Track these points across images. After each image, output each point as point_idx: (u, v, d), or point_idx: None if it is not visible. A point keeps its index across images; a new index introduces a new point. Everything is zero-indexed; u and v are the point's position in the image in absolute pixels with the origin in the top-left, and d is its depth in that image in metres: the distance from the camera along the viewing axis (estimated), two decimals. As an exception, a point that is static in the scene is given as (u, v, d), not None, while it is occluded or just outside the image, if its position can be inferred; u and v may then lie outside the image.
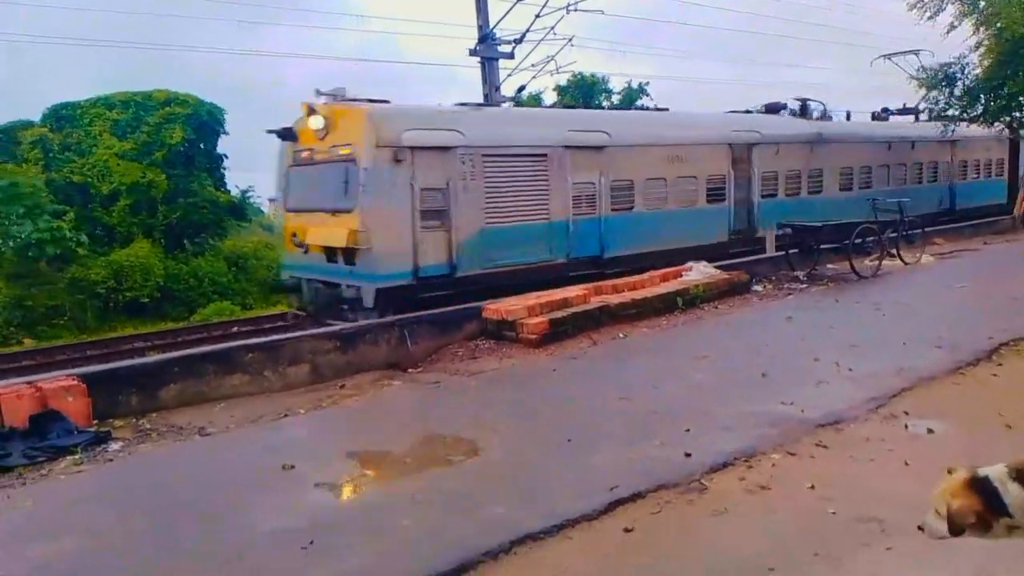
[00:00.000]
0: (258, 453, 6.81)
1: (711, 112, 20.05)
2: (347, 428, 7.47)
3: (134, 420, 7.88)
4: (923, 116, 25.43)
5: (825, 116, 21.76)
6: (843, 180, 20.97)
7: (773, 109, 21.07)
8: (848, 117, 23.39)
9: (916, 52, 23.80)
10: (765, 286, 14.31)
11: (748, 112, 21.06)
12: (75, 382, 7.76)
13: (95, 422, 7.63)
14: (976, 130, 24.56)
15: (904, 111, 25.96)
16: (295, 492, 5.81)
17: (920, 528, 2.91)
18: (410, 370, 10.13)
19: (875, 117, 25.25)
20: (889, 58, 24.67)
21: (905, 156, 23.00)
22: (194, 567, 4.73)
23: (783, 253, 15.78)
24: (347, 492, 5.83)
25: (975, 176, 26.25)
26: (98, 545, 5.07)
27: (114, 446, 7.11)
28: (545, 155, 14.41)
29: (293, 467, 6.24)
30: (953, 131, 23.58)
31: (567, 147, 14.71)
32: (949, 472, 2.89)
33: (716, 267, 14.10)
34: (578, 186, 14.90)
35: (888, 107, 25.98)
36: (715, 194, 17.56)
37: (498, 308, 11.14)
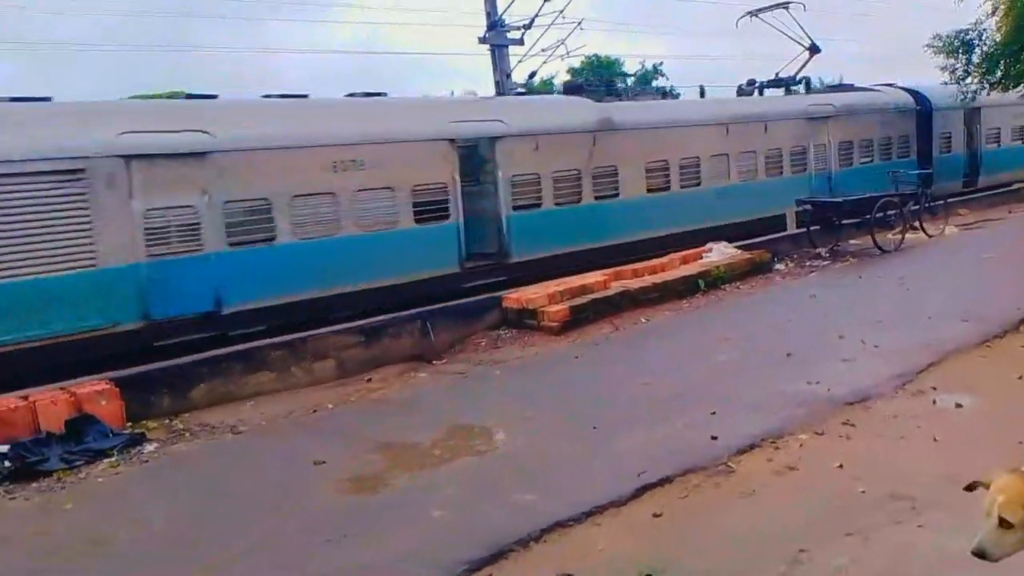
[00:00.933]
0: (289, 449, 6.92)
1: (430, 97, 15.66)
2: (375, 421, 7.55)
3: (167, 421, 8.01)
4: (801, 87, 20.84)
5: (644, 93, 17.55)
6: (654, 179, 15.80)
7: (574, 88, 16.97)
8: (702, 94, 20.32)
9: (786, 5, 19.82)
10: (787, 264, 14.21)
11: (522, 94, 18.47)
12: (108, 385, 7.90)
13: (129, 424, 7.77)
14: (857, 99, 20.48)
15: (776, 82, 20.50)
16: (327, 485, 5.91)
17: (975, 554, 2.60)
18: (434, 361, 10.19)
19: (740, 92, 20.52)
20: (756, 15, 20.45)
21: (755, 141, 17.56)
22: (233, 561, 4.83)
23: (804, 230, 15.65)
24: (377, 484, 5.91)
25: (866, 160, 20.24)
26: (139, 545, 5.20)
27: (149, 447, 7.25)
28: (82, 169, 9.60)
29: (324, 462, 6.34)
30: (971, 97, 20.97)
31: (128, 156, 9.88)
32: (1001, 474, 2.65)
33: (737, 247, 14.01)
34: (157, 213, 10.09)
35: (755, 79, 20.63)
36: (432, 210, 12.56)
37: (519, 297, 11.18)
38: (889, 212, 15.80)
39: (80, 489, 6.35)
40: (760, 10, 20.35)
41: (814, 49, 20.32)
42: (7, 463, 6.80)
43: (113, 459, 6.93)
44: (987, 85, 20.82)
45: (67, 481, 6.53)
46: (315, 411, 8.10)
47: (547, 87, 30.72)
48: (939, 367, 7.54)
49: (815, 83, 23.79)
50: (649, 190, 15.62)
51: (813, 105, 19.20)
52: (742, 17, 20.75)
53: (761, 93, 20.58)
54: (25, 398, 7.63)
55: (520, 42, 19.72)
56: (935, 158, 21.40)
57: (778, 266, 14.00)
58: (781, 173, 18.20)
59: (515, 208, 13.57)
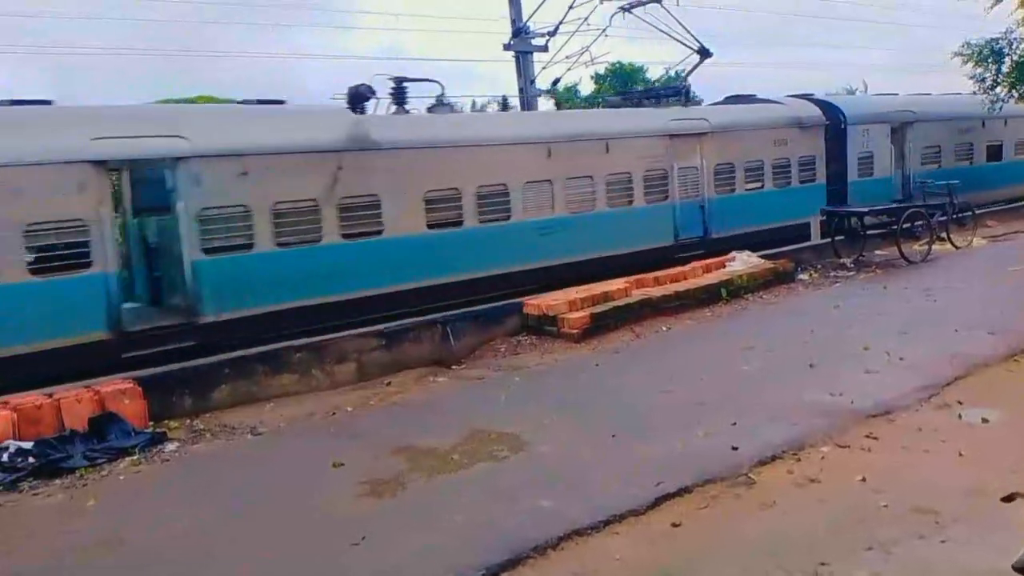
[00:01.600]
0: (308, 451, 6.95)
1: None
2: (394, 425, 7.56)
3: (188, 421, 8.09)
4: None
5: (442, 106, 14.06)
6: (437, 211, 12.42)
7: (359, 97, 12.97)
8: (525, 105, 17.63)
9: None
10: (811, 274, 14.08)
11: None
12: (131, 385, 7.99)
13: (151, 423, 7.85)
14: (741, 115, 17.13)
15: (647, 93, 18.08)
16: (346, 488, 5.92)
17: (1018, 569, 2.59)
18: (454, 366, 10.20)
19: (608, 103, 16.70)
20: (628, 11, 18.36)
21: (591, 165, 14.13)
22: (251, 563, 4.86)
23: (828, 240, 15.50)
24: (396, 488, 5.91)
25: (754, 186, 16.70)
26: (159, 544, 5.24)
27: (170, 446, 7.32)
28: None
29: (343, 464, 6.37)
30: (1000, 108, 20.07)
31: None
32: None
33: (761, 256, 13.91)
34: None
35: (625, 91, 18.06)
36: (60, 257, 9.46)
37: (539, 303, 11.17)
38: (916, 223, 15.61)
39: (102, 487, 6.43)
40: (632, 5, 18.29)
41: (704, 52, 17.60)
42: (32, 459, 6.90)
43: (135, 457, 7.01)
44: (1016, 95, 20.49)
45: (90, 478, 6.62)
46: (334, 413, 8.14)
47: (571, 94, 30.71)
48: (965, 380, 7.43)
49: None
50: (431, 225, 12.34)
51: (678, 120, 15.54)
52: (615, 14, 18.10)
53: (639, 104, 17.38)
54: (50, 396, 7.74)
55: (544, 49, 19.73)
56: (851, 183, 18.34)
57: (802, 276, 13.88)
58: (631, 202, 14.59)
59: (207, 251, 10.34)
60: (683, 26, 17.63)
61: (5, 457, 6.95)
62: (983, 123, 20.98)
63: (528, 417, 7.29)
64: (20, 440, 7.22)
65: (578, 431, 6.88)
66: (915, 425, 6.36)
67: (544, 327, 10.92)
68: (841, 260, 15.00)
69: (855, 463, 5.67)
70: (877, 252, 15.62)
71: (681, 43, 17.77)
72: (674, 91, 17.43)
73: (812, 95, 19.20)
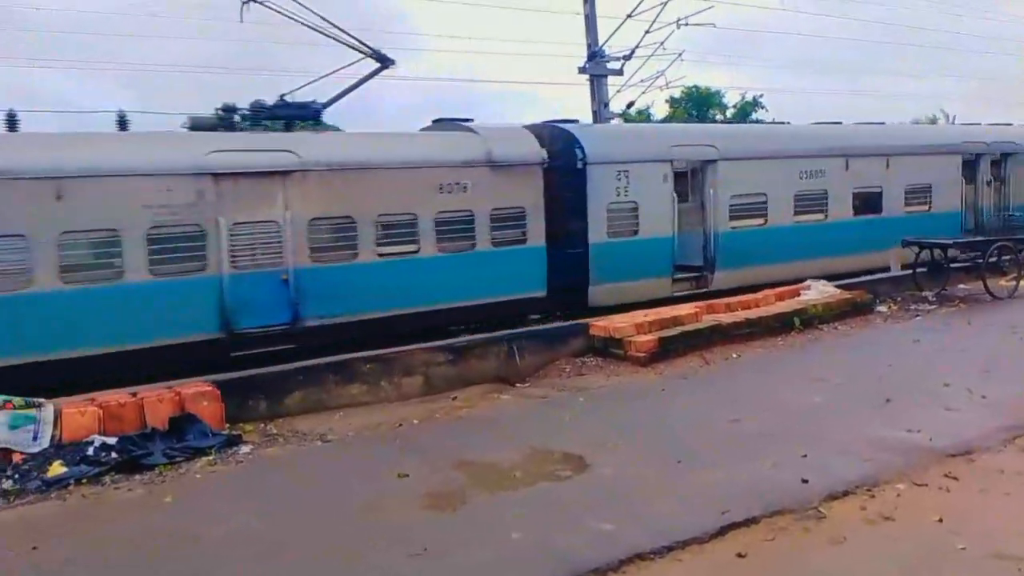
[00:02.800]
0: (375, 461, 7.09)
1: None
2: (459, 439, 7.64)
3: (261, 425, 8.35)
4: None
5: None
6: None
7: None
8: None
9: None
10: (890, 307, 13.62)
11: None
12: (210, 388, 8.31)
13: (227, 426, 8.14)
14: (376, 150, 12.43)
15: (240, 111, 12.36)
16: (409, 499, 6.02)
17: None
18: (518, 384, 10.25)
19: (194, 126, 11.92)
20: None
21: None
22: (317, 565, 4.98)
23: (910, 272, 14.99)
24: (458, 501, 5.97)
25: (398, 251, 12.08)
26: (231, 543, 5.43)
27: (244, 449, 7.57)
28: None
29: (407, 475, 6.47)
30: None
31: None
32: None
33: (837, 286, 13.56)
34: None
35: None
36: None
37: (606, 325, 11.13)
38: (1003, 257, 14.97)
39: (179, 484, 6.69)
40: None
41: (382, 59, 13.61)
42: (115, 455, 7.24)
43: (211, 458, 7.27)
44: None
45: (168, 475, 6.90)
46: (401, 425, 8.27)
47: (644, 117, 30.66)
48: (1053, 424, 7.08)
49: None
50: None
51: (227, 152, 10.82)
52: (245, 2, 13.32)
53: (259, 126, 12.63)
54: (134, 395, 8.11)
55: (620, 72, 19.81)
56: (593, 246, 13.49)
57: (880, 308, 13.44)
58: (120, 275, 10.14)
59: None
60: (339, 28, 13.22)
61: (90, 451, 7.31)
62: (845, 162, 16.39)
63: (591, 438, 7.26)
64: (105, 436, 7.60)
65: (642, 455, 6.82)
66: (997, 467, 6.09)
67: (610, 349, 10.86)
68: (922, 293, 14.48)
69: (932, 503, 5.47)
70: (961, 286, 15.02)
71: (344, 44, 13.37)
72: (300, 110, 12.83)
73: (569, 121, 14.71)
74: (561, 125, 14.37)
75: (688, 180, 15.30)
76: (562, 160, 13.40)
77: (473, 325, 12.39)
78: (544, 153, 13.28)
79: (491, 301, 12.66)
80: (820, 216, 15.97)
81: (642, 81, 20.58)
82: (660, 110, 35.06)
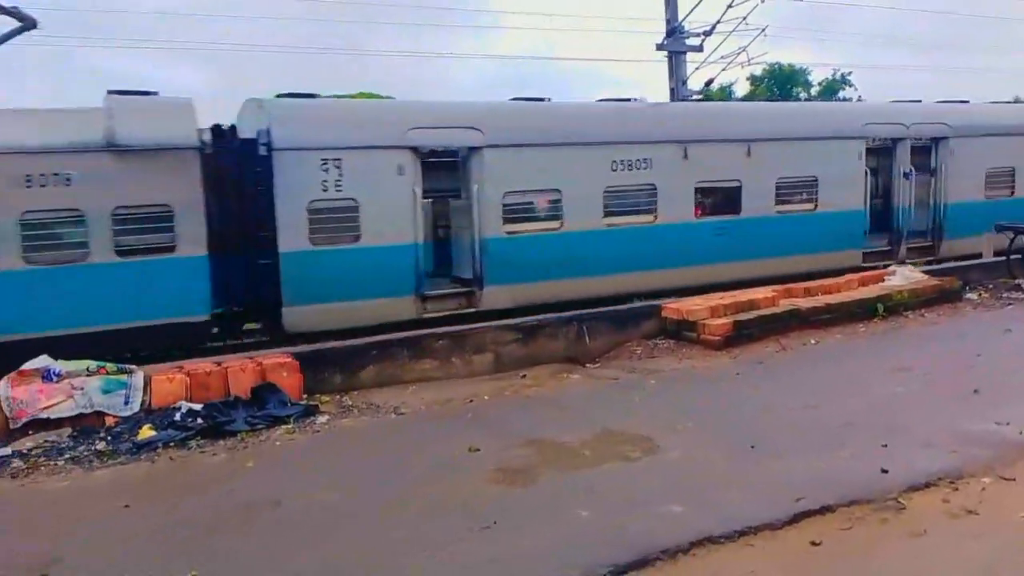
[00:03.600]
0: (447, 434, 7.21)
1: None
2: (528, 417, 7.70)
3: (337, 397, 8.60)
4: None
5: None
6: None
7: None
8: None
9: None
10: (980, 294, 13.00)
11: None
12: (289, 359, 8.60)
13: (304, 396, 8.41)
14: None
15: None
16: (480, 473, 6.11)
17: None
18: (587, 365, 10.24)
19: None
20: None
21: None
22: (391, 535, 5.11)
23: (1003, 259, 14.26)
24: (527, 478, 6.03)
25: None
26: (309, 509, 5.62)
27: (321, 419, 7.81)
28: None
29: (478, 450, 6.57)
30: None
31: None
32: None
33: (924, 271, 13.02)
34: None
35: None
36: None
37: (679, 307, 10.98)
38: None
39: (260, 451, 6.96)
40: None
41: (23, 19, 11.75)
42: (200, 420, 7.58)
43: (289, 426, 7.53)
44: None
45: (249, 442, 7.18)
46: (471, 401, 8.38)
47: (725, 95, 29.90)
48: None
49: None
50: None
51: None
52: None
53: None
54: (219, 364, 8.47)
55: (699, 49, 19.36)
56: (287, 255, 10.70)
57: (969, 295, 12.85)
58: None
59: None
60: None
61: (177, 416, 7.68)
62: (683, 150, 13.20)
63: (661, 421, 7.21)
64: (191, 402, 7.96)
65: (713, 439, 6.73)
66: (1094, 464, 5.77)
67: (683, 332, 10.73)
68: (1016, 281, 13.76)
69: (1019, 498, 5.23)
70: (1060, 275, 14.21)
71: None
72: None
73: (300, 95, 11.55)
74: (257, 100, 11.35)
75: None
76: (236, 144, 10.70)
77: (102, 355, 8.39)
78: (200, 134, 10.43)
79: (112, 329, 9.83)
80: (647, 218, 12.65)
81: (722, 58, 20.04)
82: (741, 88, 34.14)
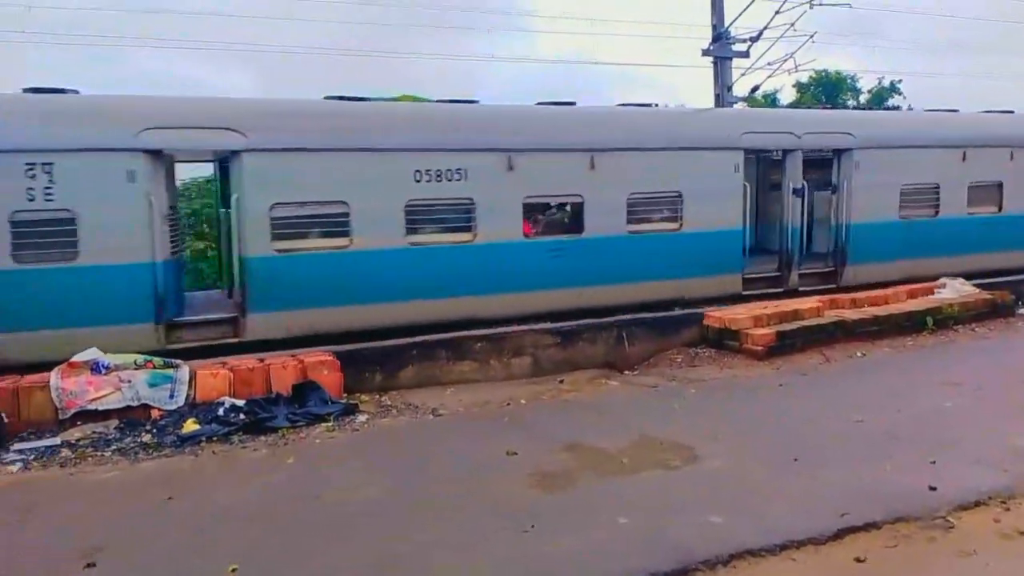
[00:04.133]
0: (484, 436, 7.22)
1: None
2: (566, 421, 7.66)
3: (376, 396, 8.68)
4: None
5: None
6: None
7: None
8: None
9: None
10: (1034, 309, 12.62)
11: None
12: (330, 358, 8.69)
13: (344, 395, 8.50)
14: None
15: None
16: (517, 476, 6.09)
17: None
18: (626, 372, 10.17)
19: None
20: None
21: None
22: (429, 535, 5.12)
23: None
24: (566, 483, 5.99)
25: None
26: (347, 505, 5.66)
27: (360, 418, 7.88)
28: None
29: (516, 453, 6.56)
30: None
31: None
32: None
33: (976, 285, 12.67)
34: None
35: None
36: None
37: (721, 316, 10.86)
38: None
39: (300, 447, 7.04)
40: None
41: None
42: (242, 416, 7.70)
43: (329, 424, 7.61)
44: None
45: (290, 438, 7.27)
46: (508, 404, 8.38)
47: (770, 103, 29.50)
48: None
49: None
50: None
51: None
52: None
53: None
54: (261, 361, 8.59)
55: (746, 55, 19.08)
56: None
57: (1023, 310, 12.47)
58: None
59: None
60: None
61: (221, 411, 7.81)
62: (507, 160, 11.12)
63: (702, 430, 7.12)
64: (234, 398, 8.09)
65: (755, 450, 6.62)
66: None
67: (725, 341, 10.60)
68: (1074, 296, 13.31)
69: (1077, 522, 5.04)
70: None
71: None
72: None
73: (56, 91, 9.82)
74: None
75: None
76: None
77: None
78: None
79: None
80: (463, 237, 10.90)
81: (769, 64, 19.73)
82: (787, 95, 33.62)
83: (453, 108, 11.72)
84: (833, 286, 13.01)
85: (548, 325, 10.69)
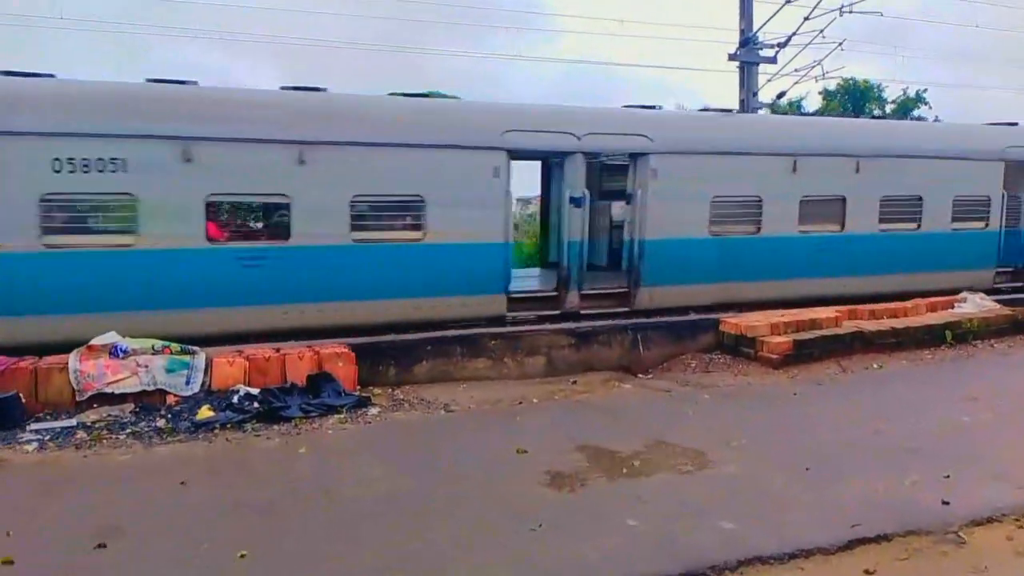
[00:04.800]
0: (495, 434, 7.23)
1: None
2: (578, 422, 7.65)
3: (390, 390, 8.70)
4: None
5: None
6: None
7: None
8: None
9: None
10: (1056, 326, 12.44)
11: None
12: (346, 350, 8.73)
13: (358, 387, 8.53)
14: None
15: None
16: (528, 475, 6.09)
17: None
18: (640, 375, 10.14)
19: None
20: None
21: None
22: (440, 531, 5.13)
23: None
24: (576, 483, 5.98)
25: None
26: (359, 499, 5.69)
27: (373, 410, 7.91)
28: None
29: (526, 452, 6.56)
30: None
31: None
32: None
33: (997, 300, 12.52)
34: None
35: None
36: None
37: (737, 323, 10.80)
38: None
39: (313, 438, 7.08)
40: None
41: None
42: (256, 405, 7.76)
43: (342, 416, 7.65)
44: None
45: (303, 428, 7.32)
46: (520, 403, 8.38)
47: (795, 110, 29.29)
48: None
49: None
50: None
51: None
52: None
53: None
54: (277, 350, 8.65)
55: (773, 60, 18.99)
56: None
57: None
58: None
59: None
60: None
61: (235, 399, 7.87)
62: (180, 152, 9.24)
63: (716, 436, 7.08)
64: (249, 387, 8.15)
65: (768, 458, 6.58)
66: None
67: (740, 348, 10.55)
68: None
69: (1094, 542, 4.97)
70: None
71: None
72: None
73: None
74: None
75: None
76: None
77: None
78: None
79: None
80: (124, 240, 9.19)
81: (796, 71, 19.62)
82: (813, 102, 33.38)
83: (114, 86, 9.86)
84: (626, 310, 11.51)
85: (564, 325, 10.64)
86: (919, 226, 13.42)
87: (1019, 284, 14.33)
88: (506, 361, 9.78)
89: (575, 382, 9.55)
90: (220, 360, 8.31)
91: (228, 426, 7.30)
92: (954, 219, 13.66)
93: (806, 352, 10.13)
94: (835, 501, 5.58)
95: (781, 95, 20.12)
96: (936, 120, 25.76)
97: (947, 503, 5.48)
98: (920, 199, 13.38)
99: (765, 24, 18.77)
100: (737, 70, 19.31)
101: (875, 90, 32.77)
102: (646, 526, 5.15)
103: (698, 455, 6.59)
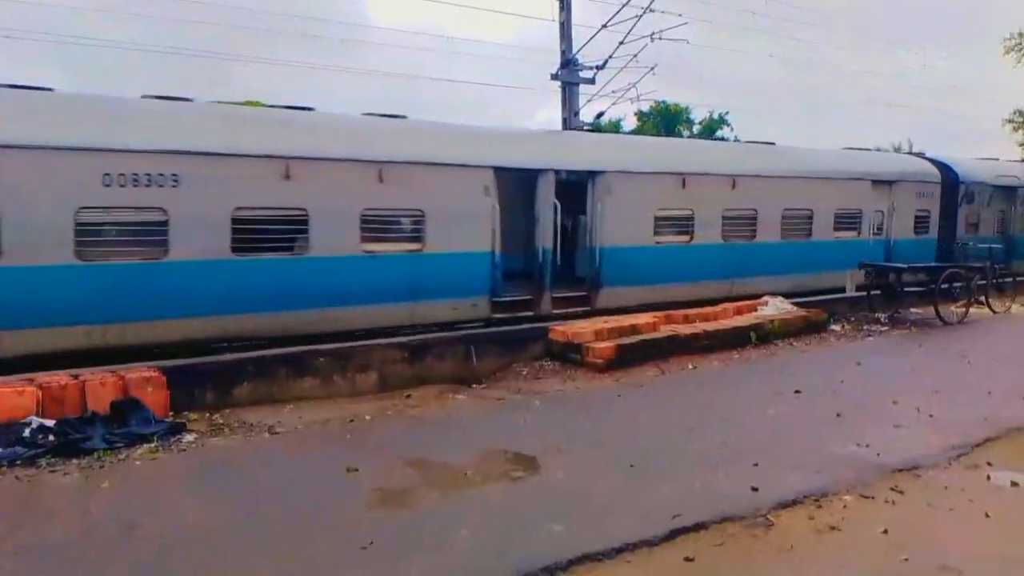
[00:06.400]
0: (323, 455, 6.94)
1: None
2: (411, 437, 7.52)
3: (208, 415, 8.13)
4: None
5: None
6: None
7: None
8: None
9: None
10: (843, 326, 13.87)
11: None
12: (156, 374, 8.06)
13: (171, 414, 7.90)
14: None
15: None
16: (358, 495, 5.89)
17: None
18: (474, 386, 10.16)
19: None
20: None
21: None
22: (259, 558, 4.82)
23: (864, 294, 15.29)
24: (408, 499, 5.86)
25: None
26: (169, 535, 5.23)
27: (188, 437, 7.34)
28: None
29: (357, 470, 6.34)
30: None
31: None
32: None
33: (794, 303, 13.75)
34: None
35: None
36: None
37: (565, 331, 11.11)
38: (955, 284, 15.38)
39: (119, 470, 6.46)
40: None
41: None
42: (52, 437, 6.97)
43: (152, 445, 7.04)
44: None
45: (107, 461, 6.66)
46: (352, 421, 8.11)
47: (615, 129, 30.88)
48: (996, 443, 7.23)
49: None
50: None
51: None
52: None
53: None
54: (75, 377, 7.84)
55: (592, 82, 19.87)
56: None
57: (834, 327, 13.68)
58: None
59: None
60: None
61: (27, 433, 7.03)
62: None
63: (546, 442, 7.21)
64: (43, 418, 7.32)
65: (595, 459, 6.78)
66: (942, 483, 6.18)
67: (568, 355, 10.85)
68: (876, 315, 14.77)
69: (878, 515, 5.52)
70: (913, 310, 15.36)
71: None
72: None
73: None
74: None
75: None
76: None
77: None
78: None
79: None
80: None
81: (613, 92, 20.66)
82: (630, 123, 35.37)
83: None
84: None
85: (396, 340, 10.52)
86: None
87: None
88: (336, 379, 9.44)
89: (409, 396, 9.39)
90: (6, 390, 7.39)
91: (17, 463, 6.50)
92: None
93: (629, 357, 10.59)
94: (657, 496, 5.83)
95: (600, 115, 21.09)
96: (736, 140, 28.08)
97: (756, 489, 5.89)
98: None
99: (583, 47, 19.62)
100: (560, 90, 20.04)
101: (684, 112, 35.30)
102: (478, 535, 5.12)
103: (529, 461, 6.67)
